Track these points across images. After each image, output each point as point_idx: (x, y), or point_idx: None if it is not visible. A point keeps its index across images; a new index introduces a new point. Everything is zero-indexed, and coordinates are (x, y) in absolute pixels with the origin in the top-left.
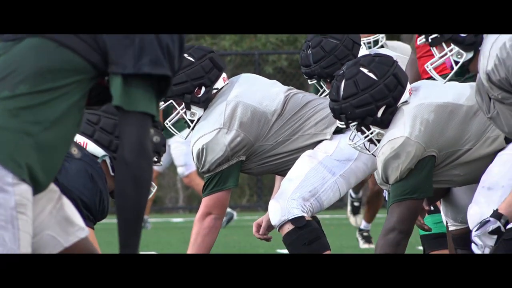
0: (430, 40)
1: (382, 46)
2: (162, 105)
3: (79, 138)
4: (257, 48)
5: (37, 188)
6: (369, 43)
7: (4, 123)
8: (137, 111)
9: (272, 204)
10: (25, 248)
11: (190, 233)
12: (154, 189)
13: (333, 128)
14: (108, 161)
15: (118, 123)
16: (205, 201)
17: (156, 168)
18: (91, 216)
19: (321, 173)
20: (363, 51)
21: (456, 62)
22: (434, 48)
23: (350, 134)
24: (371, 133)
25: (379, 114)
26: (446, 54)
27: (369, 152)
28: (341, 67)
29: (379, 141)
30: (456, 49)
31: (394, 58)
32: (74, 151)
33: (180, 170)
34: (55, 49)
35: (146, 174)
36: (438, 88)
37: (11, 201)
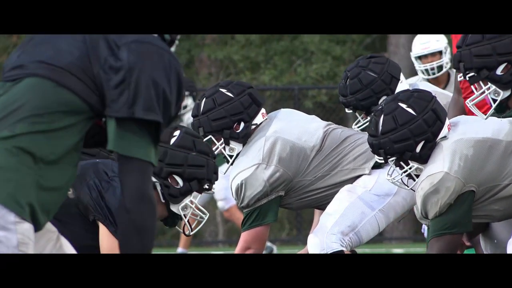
0: (468, 78)
1: (448, 74)
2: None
3: None
4: (296, 82)
5: (37, 227)
6: (432, 69)
7: (4, 163)
8: (134, 157)
9: (311, 238)
10: None
11: None
12: (206, 216)
13: (371, 163)
14: (158, 188)
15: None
16: (244, 236)
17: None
18: None
19: (360, 208)
20: (401, 86)
21: (494, 100)
22: (473, 86)
23: (389, 169)
24: (410, 168)
25: (418, 149)
26: (484, 92)
27: (408, 187)
28: (378, 101)
29: (417, 176)
30: (493, 87)
31: (433, 94)
32: (69, 191)
33: (220, 204)
34: (53, 88)
35: (149, 221)
36: (477, 123)
37: (13, 240)
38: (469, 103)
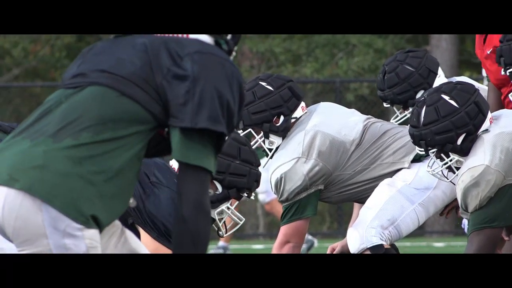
0: (508, 73)
1: None
2: (241, 133)
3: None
4: (338, 75)
5: (100, 230)
6: None
7: (68, 170)
8: (195, 165)
9: (351, 232)
10: None
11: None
12: (241, 221)
13: (411, 157)
14: None
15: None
16: (284, 230)
17: None
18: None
19: (399, 202)
20: (439, 80)
21: None
22: None
23: (429, 161)
24: (450, 161)
25: (459, 141)
26: None
27: (447, 179)
28: (415, 95)
29: (458, 168)
30: None
31: (476, 87)
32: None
33: (261, 197)
34: (117, 98)
35: (204, 230)
36: None
37: (82, 246)
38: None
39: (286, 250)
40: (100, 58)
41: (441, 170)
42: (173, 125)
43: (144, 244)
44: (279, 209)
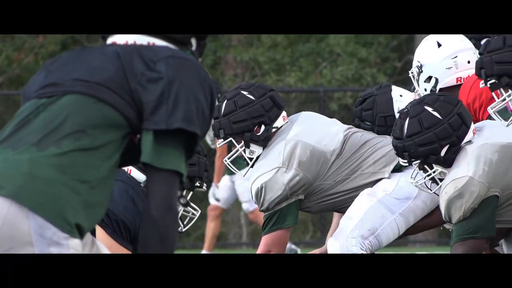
0: (488, 85)
1: None
2: (222, 142)
3: None
4: (322, 85)
5: (81, 238)
6: None
7: (53, 178)
8: (165, 169)
9: (332, 241)
10: None
11: None
12: (198, 213)
13: (391, 167)
14: None
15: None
16: (265, 239)
17: (219, 204)
18: (129, 237)
19: (380, 212)
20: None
21: None
22: (494, 93)
23: (412, 173)
24: (434, 172)
25: (443, 153)
26: (505, 99)
27: (431, 191)
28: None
29: (441, 180)
30: None
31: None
32: None
33: (245, 206)
34: (93, 104)
35: (172, 230)
36: (502, 128)
37: None
38: (490, 110)
39: None
40: (70, 67)
41: (424, 182)
42: (147, 128)
43: (99, 239)
44: (262, 218)
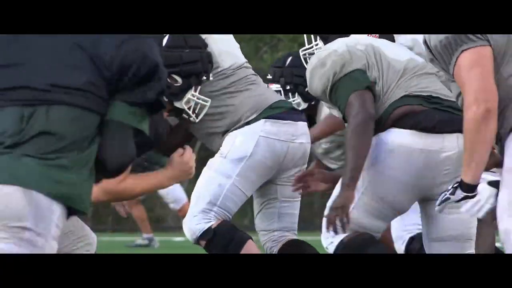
0: None
1: None
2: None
3: None
4: (262, 69)
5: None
6: None
7: (85, 177)
8: (130, 125)
9: (183, 226)
10: None
11: (191, 252)
12: (208, 102)
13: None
14: None
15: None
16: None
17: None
18: None
19: (216, 181)
20: None
21: None
22: None
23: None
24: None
25: None
26: None
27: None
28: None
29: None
30: None
31: None
32: None
33: (171, 206)
34: (81, 115)
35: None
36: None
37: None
38: None
39: None
40: (42, 65)
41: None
42: (123, 100)
43: None
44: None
